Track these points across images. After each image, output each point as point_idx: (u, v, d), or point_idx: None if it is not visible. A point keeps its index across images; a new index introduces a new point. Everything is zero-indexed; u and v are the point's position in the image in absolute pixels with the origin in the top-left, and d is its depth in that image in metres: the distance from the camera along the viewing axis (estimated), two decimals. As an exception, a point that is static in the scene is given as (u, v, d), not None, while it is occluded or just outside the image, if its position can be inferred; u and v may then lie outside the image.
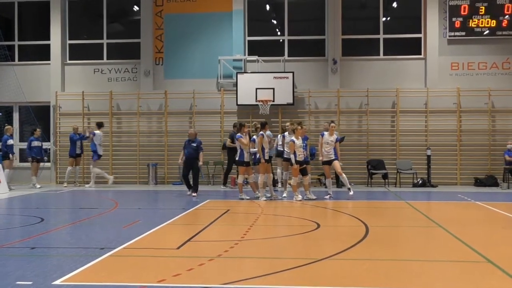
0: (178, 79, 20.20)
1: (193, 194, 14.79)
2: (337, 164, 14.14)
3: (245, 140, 14.03)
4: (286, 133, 14.54)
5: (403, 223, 10.35)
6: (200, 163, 14.93)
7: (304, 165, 13.74)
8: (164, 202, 14.30)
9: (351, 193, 13.95)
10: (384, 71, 19.71)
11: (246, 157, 14.03)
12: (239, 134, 14.15)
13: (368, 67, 19.76)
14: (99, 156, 18.45)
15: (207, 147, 18.76)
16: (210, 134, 19.78)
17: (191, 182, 15.19)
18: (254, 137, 14.03)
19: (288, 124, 14.86)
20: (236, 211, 12.03)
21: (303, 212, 11.79)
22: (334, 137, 14.24)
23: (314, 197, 13.99)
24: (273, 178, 14.53)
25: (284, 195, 14.53)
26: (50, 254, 7.30)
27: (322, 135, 14.25)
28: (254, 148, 13.85)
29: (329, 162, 14.21)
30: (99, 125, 18.51)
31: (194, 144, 14.71)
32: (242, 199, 13.94)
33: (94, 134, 18.20)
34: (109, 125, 20.32)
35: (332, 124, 14.39)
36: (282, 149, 14.66)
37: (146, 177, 19.68)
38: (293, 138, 13.57)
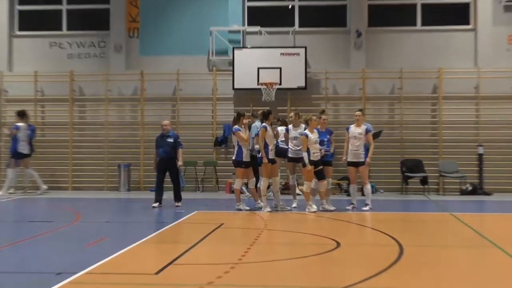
0: (158, 56, 20.26)
1: (177, 204, 14.76)
2: (365, 172, 14.21)
3: (244, 134, 13.99)
4: (291, 126, 14.59)
5: (448, 242, 10.35)
6: (180, 163, 14.76)
7: (321, 166, 13.69)
8: (139, 214, 14.26)
9: (366, 208, 14.03)
10: (422, 46, 19.83)
11: (245, 156, 14.02)
12: (236, 126, 14.09)
13: (401, 41, 19.95)
14: (26, 156, 18.32)
15: (195, 143, 19.13)
16: (199, 127, 19.85)
17: (173, 190, 15.13)
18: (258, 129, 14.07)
19: (292, 114, 14.84)
20: (232, 225, 12.06)
21: (319, 227, 11.85)
22: (363, 128, 14.21)
23: (333, 208, 14.00)
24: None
25: (294, 205, 14.50)
26: (-9, 281, 7.13)
27: (348, 129, 14.34)
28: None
29: (356, 164, 14.13)
30: (21, 115, 18.30)
31: (171, 140, 14.60)
32: (240, 210, 13.97)
33: (17, 128, 18.11)
34: (69, 115, 20.43)
35: (358, 113, 14.35)
36: (286, 147, 14.67)
37: (116, 182, 19.70)
38: (307, 131, 13.57)
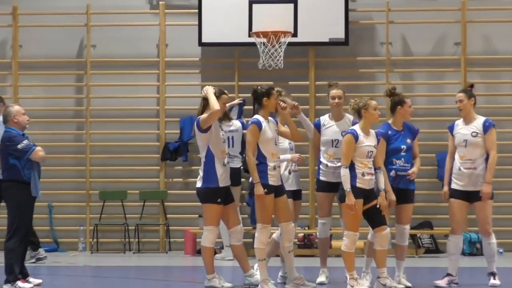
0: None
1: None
2: (487, 206, 10.60)
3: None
4: (325, 118, 11.24)
5: None
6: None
7: (375, 201, 10.28)
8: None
9: (495, 281, 10.39)
10: None
11: (223, 177, 10.82)
12: (203, 115, 10.81)
13: None
14: None
15: (123, 155, 15.41)
16: (130, 122, 15.89)
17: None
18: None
19: (335, 91, 11.13)
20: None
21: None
22: (479, 123, 10.92)
23: (404, 286, 10.73)
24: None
25: (322, 279, 11.37)
26: None
27: (451, 129, 11.16)
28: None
29: (468, 195, 10.79)
30: None
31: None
32: (215, 288, 11.60)
33: None
34: None
35: (459, 96, 10.98)
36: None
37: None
38: (357, 128, 10.47)
